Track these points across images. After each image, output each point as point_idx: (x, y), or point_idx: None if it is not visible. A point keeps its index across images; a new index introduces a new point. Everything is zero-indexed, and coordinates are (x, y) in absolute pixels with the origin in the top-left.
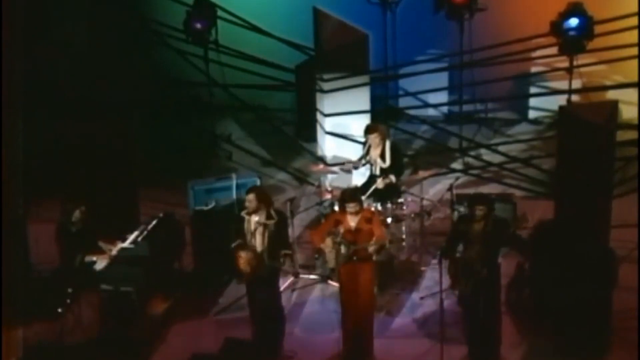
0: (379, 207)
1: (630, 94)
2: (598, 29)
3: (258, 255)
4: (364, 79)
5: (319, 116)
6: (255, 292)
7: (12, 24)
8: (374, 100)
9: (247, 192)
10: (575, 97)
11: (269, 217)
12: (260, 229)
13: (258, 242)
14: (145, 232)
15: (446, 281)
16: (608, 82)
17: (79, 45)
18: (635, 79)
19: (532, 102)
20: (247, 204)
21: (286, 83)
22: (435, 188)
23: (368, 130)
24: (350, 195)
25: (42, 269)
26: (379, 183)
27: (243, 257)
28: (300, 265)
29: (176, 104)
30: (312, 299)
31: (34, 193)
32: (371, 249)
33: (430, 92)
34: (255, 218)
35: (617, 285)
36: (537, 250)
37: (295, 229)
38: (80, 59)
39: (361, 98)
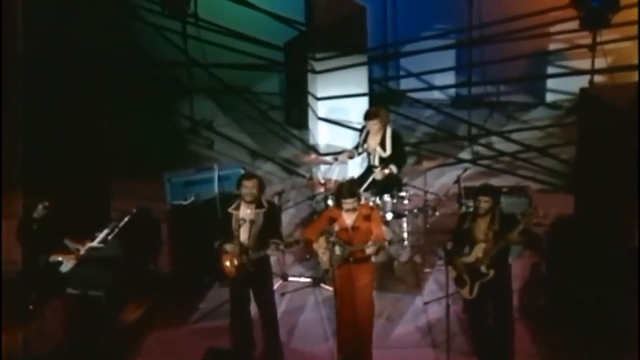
0: (378, 202)
1: None
2: (624, 0)
3: (245, 252)
4: (361, 58)
5: (310, 100)
6: (243, 294)
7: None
8: (372, 82)
9: (246, 178)
10: (598, 78)
11: (259, 206)
12: (247, 224)
13: (244, 237)
14: (116, 230)
15: (453, 285)
16: (635, 61)
17: (41, 20)
18: None
19: (550, 83)
20: (245, 190)
21: (274, 62)
22: (440, 180)
23: (368, 116)
24: (348, 190)
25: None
26: (377, 174)
27: (227, 256)
28: (287, 243)
29: (151, 86)
30: (303, 305)
31: None
32: (369, 250)
33: (435, 72)
34: (247, 211)
35: None
36: (555, 249)
37: (284, 225)
38: (42, 35)
39: (358, 79)
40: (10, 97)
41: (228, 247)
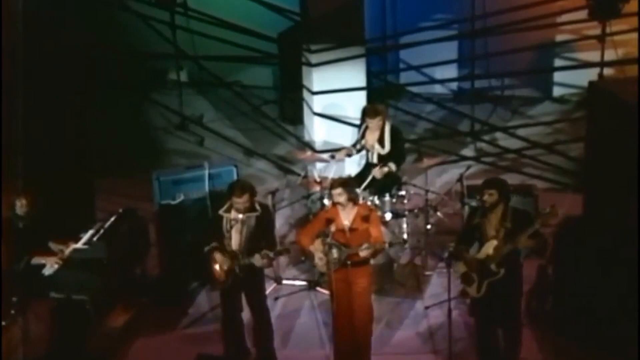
0: (377, 201)
1: None
2: None
3: (236, 257)
4: (359, 50)
5: (305, 94)
6: (234, 299)
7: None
8: (370, 75)
9: (236, 195)
10: (607, 71)
11: (250, 209)
12: (238, 226)
13: (235, 241)
14: (102, 231)
15: (455, 288)
16: None
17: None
18: None
19: (557, 76)
20: (237, 206)
21: (267, 55)
22: (442, 179)
23: (367, 113)
24: (339, 182)
25: None
26: (376, 172)
27: (218, 261)
28: (276, 252)
29: (138, 80)
30: (298, 309)
31: None
32: (363, 253)
33: (436, 65)
34: (238, 214)
35: None
36: (563, 251)
37: (278, 226)
38: (23, 25)
39: (355, 73)
40: (10, 96)
41: (218, 257)
